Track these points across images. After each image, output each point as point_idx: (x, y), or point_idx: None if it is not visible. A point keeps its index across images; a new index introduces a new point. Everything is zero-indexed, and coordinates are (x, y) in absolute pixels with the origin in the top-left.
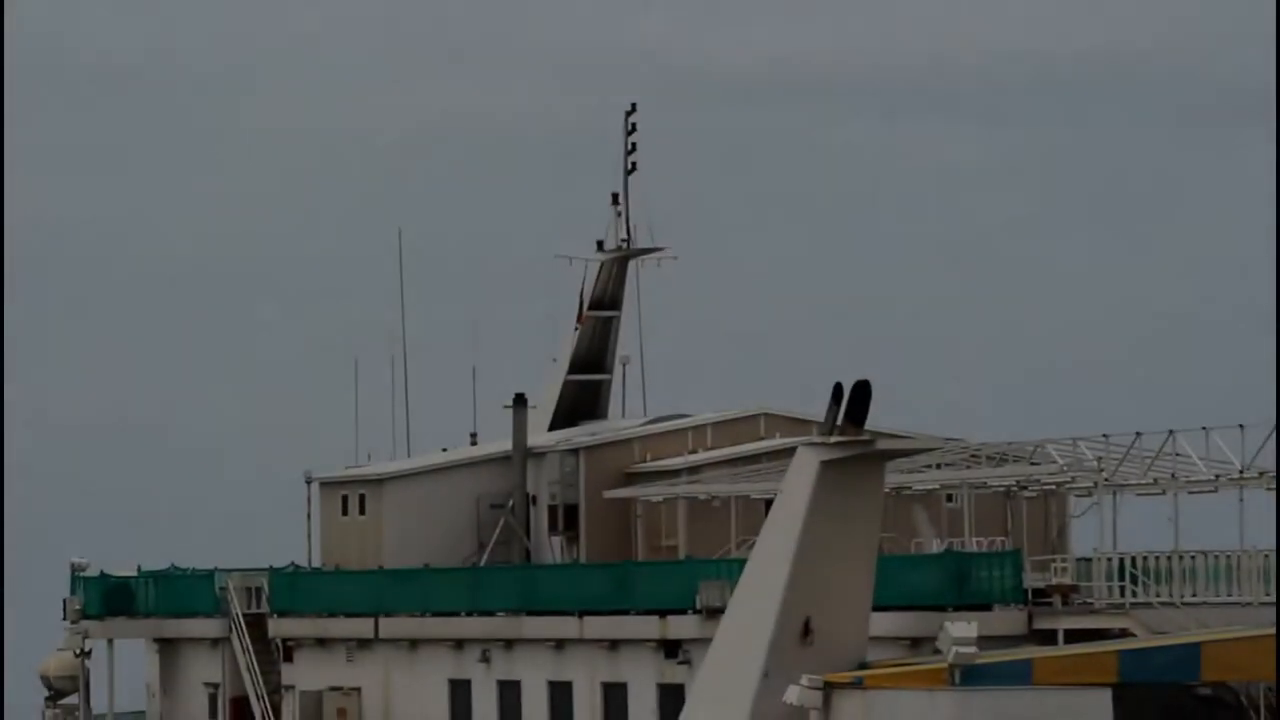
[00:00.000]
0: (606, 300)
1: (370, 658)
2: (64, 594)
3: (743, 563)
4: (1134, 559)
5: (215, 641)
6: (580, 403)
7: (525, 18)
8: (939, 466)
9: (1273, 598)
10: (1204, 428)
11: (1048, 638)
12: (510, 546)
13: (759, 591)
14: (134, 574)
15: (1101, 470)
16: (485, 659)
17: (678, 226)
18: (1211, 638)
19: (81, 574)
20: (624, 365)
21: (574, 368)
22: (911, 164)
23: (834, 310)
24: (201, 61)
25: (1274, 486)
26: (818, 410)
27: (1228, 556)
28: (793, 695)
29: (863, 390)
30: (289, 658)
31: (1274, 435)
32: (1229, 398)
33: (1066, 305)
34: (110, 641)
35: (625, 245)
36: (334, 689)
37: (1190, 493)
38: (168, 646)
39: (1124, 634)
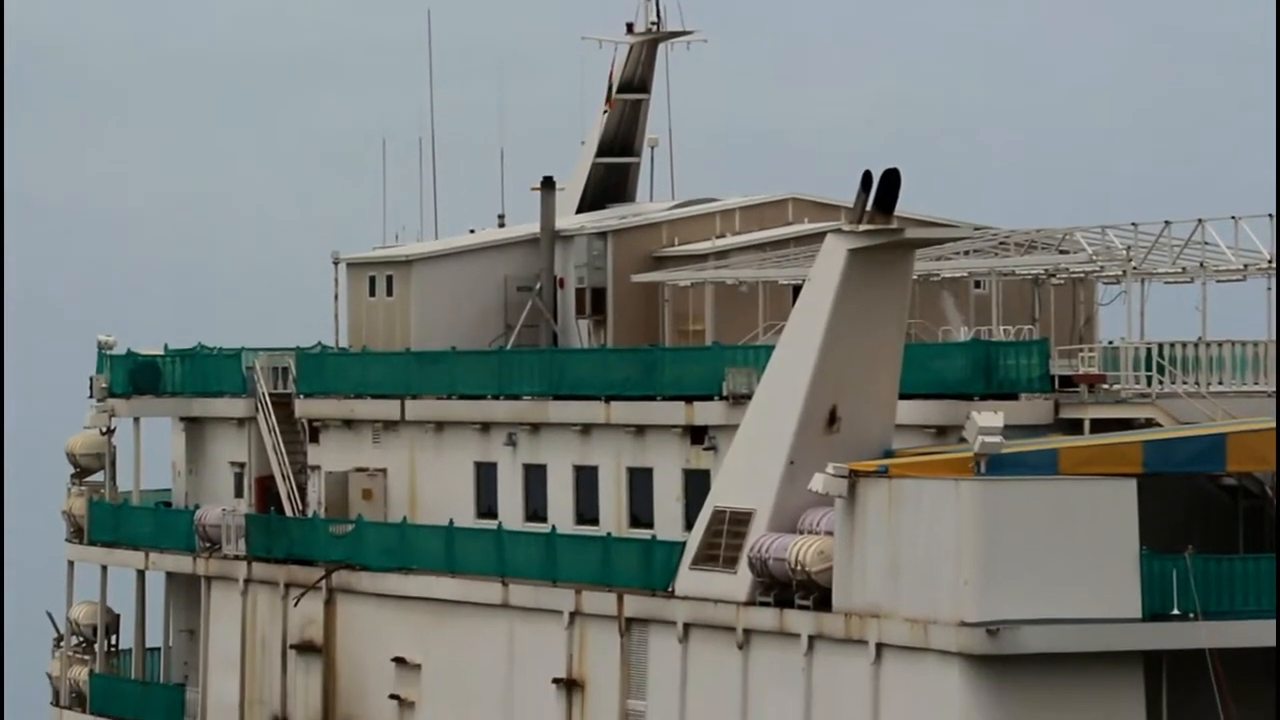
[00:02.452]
0: (635, 83)
1: (396, 439)
2: (91, 372)
3: (770, 349)
4: (1161, 348)
5: (241, 421)
6: (608, 186)
7: None
8: (967, 254)
9: None
10: (1233, 217)
11: (1074, 427)
12: (537, 329)
13: (785, 379)
14: (161, 353)
15: (1130, 259)
16: (511, 442)
17: (708, 9)
18: (1237, 428)
19: (108, 352)
20: (652, 149)
21: (602, 151)
22: None
23: (864, 97)
24: None
25: None
26: (846, 196)
27: (1255, 346)
28: (818, 483)
29: (891, 178)
30: (315, 438)
31: None
32: (1259, 187)
33: (1099, 94)
34: (136, 420)
35: (655, 28)
36: (359, 470)
37: (1218, 282)
38: (194, 425)
39: (1150, 423)
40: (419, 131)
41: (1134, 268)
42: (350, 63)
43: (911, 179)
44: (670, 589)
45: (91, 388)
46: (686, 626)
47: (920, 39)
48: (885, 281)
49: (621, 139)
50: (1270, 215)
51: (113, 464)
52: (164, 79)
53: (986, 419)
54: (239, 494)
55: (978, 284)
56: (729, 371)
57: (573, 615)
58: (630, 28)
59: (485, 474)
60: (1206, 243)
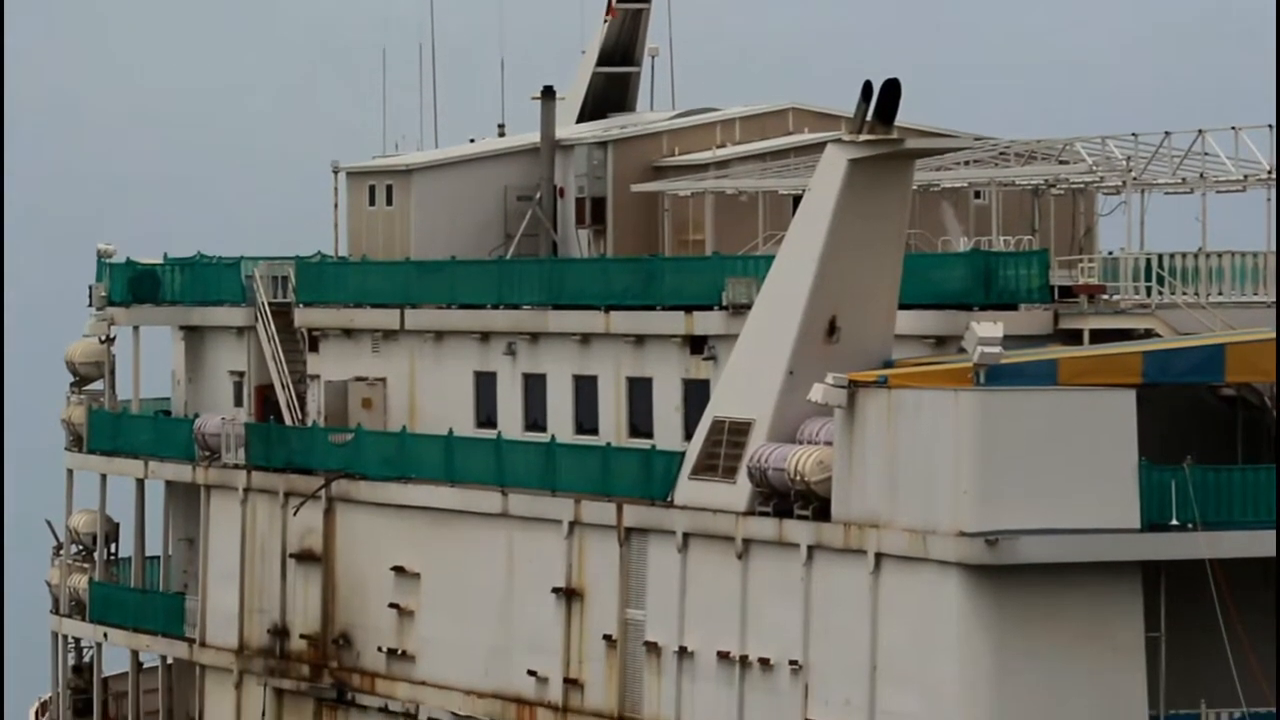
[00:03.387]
0: None
1: (396, 349)
2: (90, 280)
3: (770, 259)
4: (1160, 259)
5: (241, 330)
6: (608, 96)
7: None
8: (967, 164)
9: None
10: (1233, 127)
11: (1073, 338)
12: (537, 239)
13: (785, 289)
14: (160, 261)
15: (1130, 169)
16: (511, 352)
17: None
18: (1236, 339)
19: (108, 260)
20: (653, 58)
21: (603, 60)
22: None
23: (864, 7)
24: None
25: None
26: (847, 106)
27: (1254, 257)
28: (817, 393)
29: (892, 88)
30: (314, 347)
31: None
32: (1259, 98)
33: (1101, 5)
34: (136, 328)
35: None
36: (359, 379)
37: (1218, 193)
38: (193, 334)
39: (1149, 334)
40: (419, 39)
41: (1134, 178)
42: None
43: (911, 89)
44: (669, 499)
45: (91, 296)
46: (685, 536)
47: None
48: (885, 192)
49: (622, 48)
50: (1270, 126)
51: (112, 373)
52: None
53: (986, 329)
54: (238, 403)
55: (977, 194)
56: (729, 281)
57: (572, 525)
58: None
59: (484, 383)
60: (1206, 153)
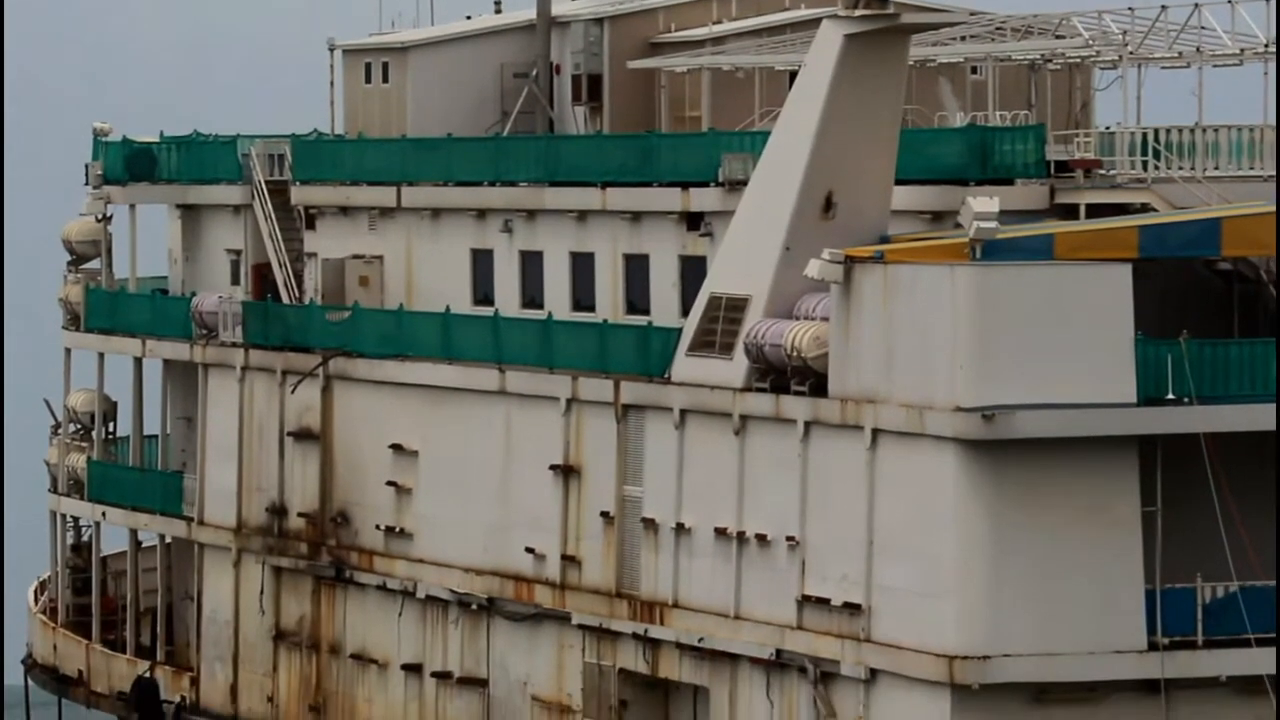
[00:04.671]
0: None
1: (392, 226)
2: (87, 159)
3: (766, 135)
4: (1157, 133)
5: (238, 208)
6: None
7: None
8: (964, 39)
9: None
10: (1229, 1)
11: (1069, 212)
12: (534, 116)
13: (781, 165)
14: (157, 140)
15: (1126, 44)
16: (507, 229)
17: None
18: (1232, 213)
19: (104, 139)
20: None
21: None
22: None
23: None
24: None
25: None
26: None
27: (1251, 131)
28: (813, 269)
29: None
30: (311, 225)
31: None
32: None
33: None
34: (132, 207)
35: None
36: (356, 257)
37: (1215, 66)
38: (190, 213)
39: (1145, 209)
40: None
41: (1130, 53)
42: None
43: None
44: (666, 375)
45: (87, 175)
46: (683, 413)
47: None
48: (881, 67)
49: None
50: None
51: (109, 251)
52: None
53: (982, 204)
54: (235, 281)
55: (974, 69)
56: (725, 157)
57: (569, 402)
58: None
59: (481, 261)
60: (1203, 27)
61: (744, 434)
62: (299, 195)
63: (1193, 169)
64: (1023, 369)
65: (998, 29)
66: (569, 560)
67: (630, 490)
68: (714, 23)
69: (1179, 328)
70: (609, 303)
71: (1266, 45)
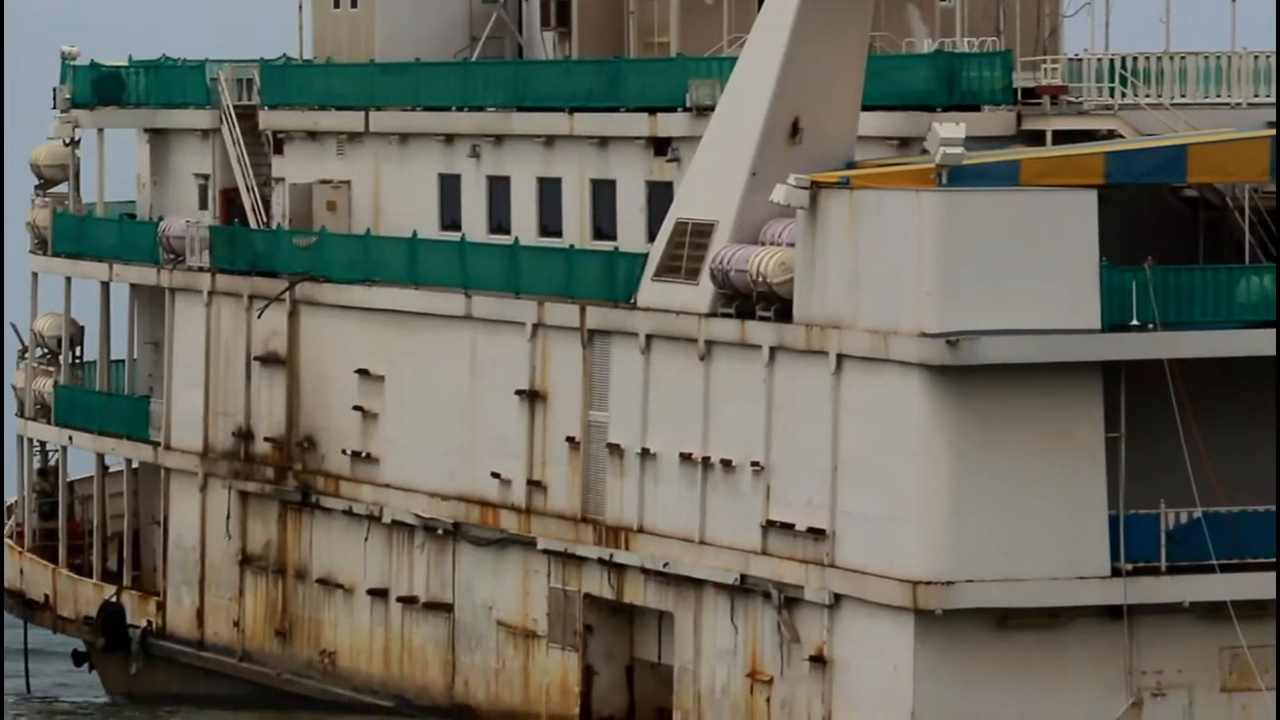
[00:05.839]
0: None
1: (360, 151)
2: (55, 83)
3: (733, 60)
4: (1125, 60)
5: (206, 133)
6: None
7: None
8: None
9: (1264, 98)
10: None
11: (1036, 139)
12: (502, 41)
13: (748, 90)
14: (125, 64)
15: None
16: (475, 154)
17: None
18: (1198, 140)
19: (72, 63)
20: None
21: None
22: None
23: None
24: None
25: None
26: None
27: (1218, 58)
28: (779, 194)
29: None
30: (279, 150)
31: None
32: None
33: None
34: (100, 131)
35: None
36: (324, 182)
37: None
38: (158, 137)
39: (1112, 135)
40: None
41: None
42: None
43: None
44: (632, 301)
45: (55, 99)
46: (648, 338)
47: None
48: None
49: None
50: None
51: (76, 175)
52: None
53: (948, 130)
54: (203, 206)
55: None
56: (693, 83)
57: (535, 327)
58: None
59: (449, 186)
60: None
61: (709, 359)
62: (267, 120)
63: (1160, 96)
64: (988, 295)
65: None
66: (534, 485)
67: (596, 415)
68: None
69: (1144, 254)
70: (576, 228)
71: None
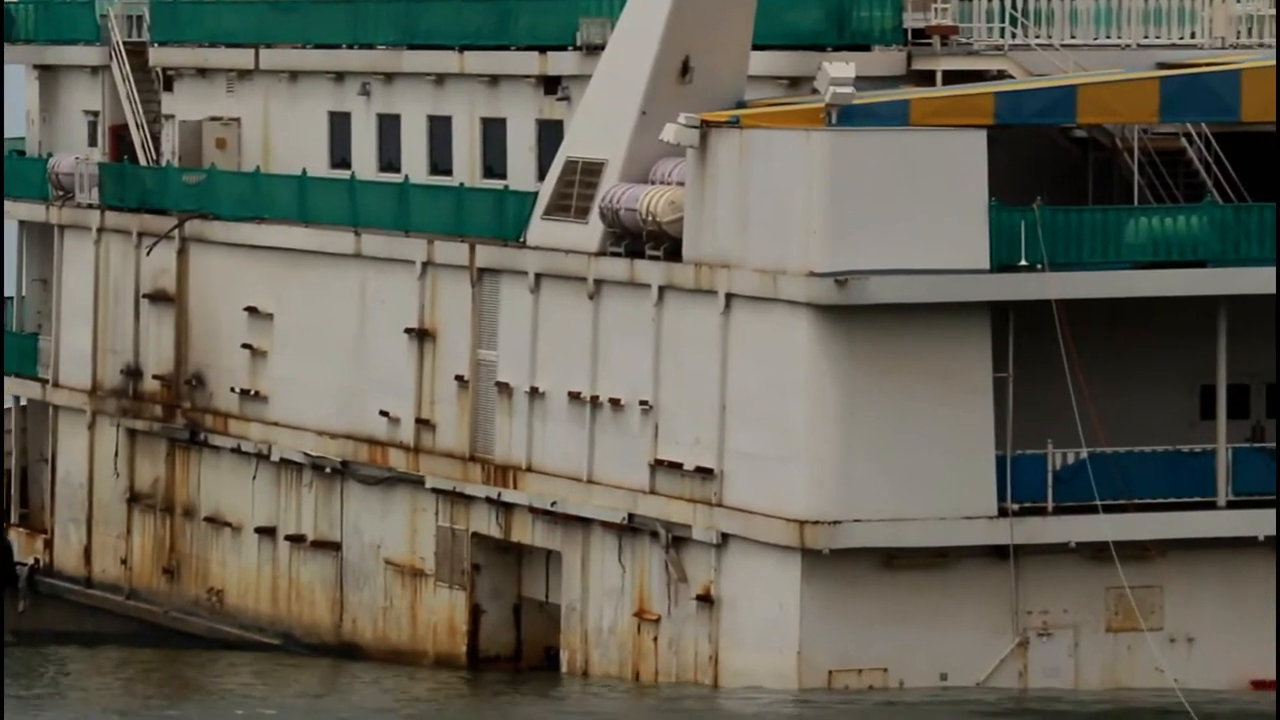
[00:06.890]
0: None
1: (250, 89)
2: None
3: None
4: (1015, 0)
5: (95, 69)
6: None
7: None
8: None
9: (1153, 39)
10: None
11: (926, 79)
12: None
13: (638, 29)
14: None
15: None
16: (365, 92)
17: None
18: (1088, 80)
19: None
20: None
21: None
22: None
23: None
24: None
25: None
26: None
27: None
28: (669, 134)
29: None
30: (169, 87)
31: None
32: None
33: None
34: None
35: None
36: (213, 119)
37: None
38: (47, 73)
39: (1002, 76)
40: None
41: None
42: None
43: None
44: (522, 239)
45: None
46: (538, 277)
47: None
48: None
49: None
50: None
51: None
52: None
53: (838, 70)
54: (93, 143)
55: None
56: (583, 21)
57: (425, 265)
58: None
59: (339, 124)
60: None
61: (598, 298)
62: (157, 57)
63: (1050, 37)
64: (876, 234)
65: None
66: (423, 424)
67: (485, 354)
68: None
69: (1033, 195)
70: (466, 167)
71: None
